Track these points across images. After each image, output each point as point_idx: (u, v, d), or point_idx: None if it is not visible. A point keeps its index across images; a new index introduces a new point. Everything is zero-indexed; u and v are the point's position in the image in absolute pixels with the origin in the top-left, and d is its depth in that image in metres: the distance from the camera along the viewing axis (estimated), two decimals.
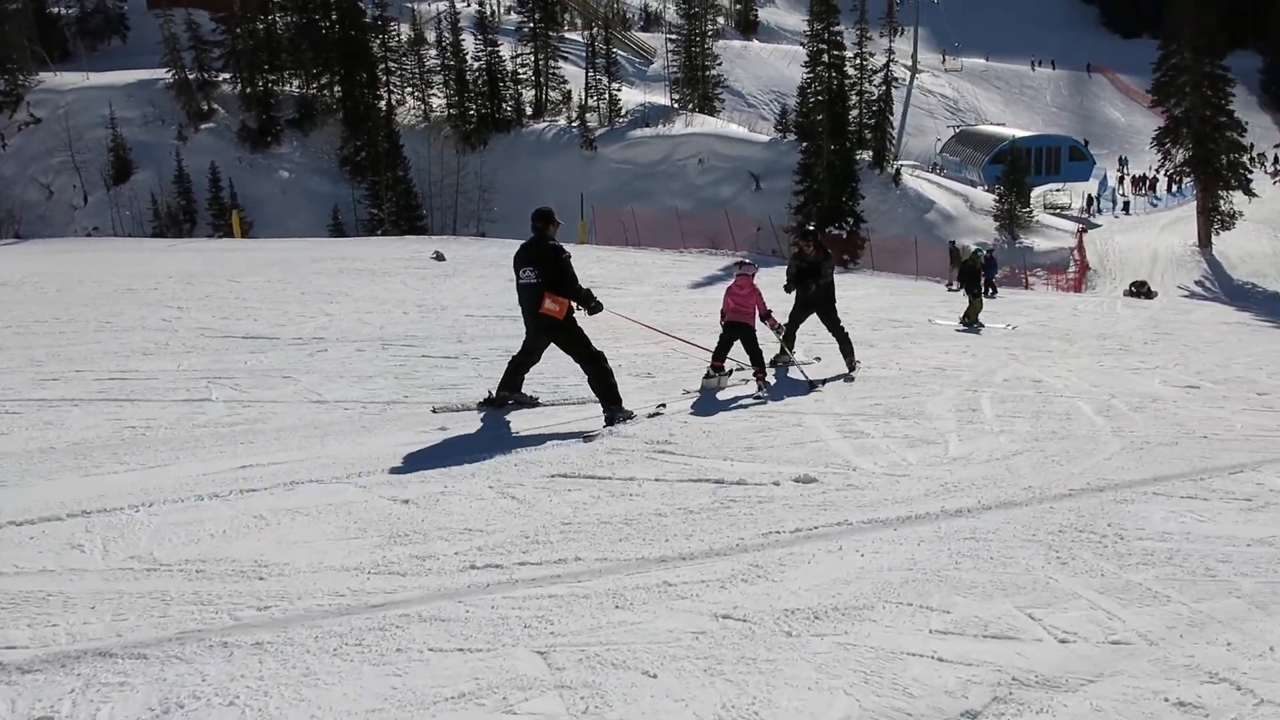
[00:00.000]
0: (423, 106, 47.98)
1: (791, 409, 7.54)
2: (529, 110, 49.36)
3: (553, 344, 6.82)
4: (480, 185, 42.70)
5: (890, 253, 36.46)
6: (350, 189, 42.97)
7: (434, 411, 6.82)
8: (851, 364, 9.42)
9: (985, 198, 41.43)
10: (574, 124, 46.32)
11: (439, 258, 20.36)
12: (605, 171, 44.65)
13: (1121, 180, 56.36)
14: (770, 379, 8.62)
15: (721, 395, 8.01)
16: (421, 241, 27.59)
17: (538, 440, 6.14)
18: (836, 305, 9.57)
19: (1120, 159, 60.36)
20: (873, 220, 39.13)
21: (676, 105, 53.58)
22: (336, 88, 46.05)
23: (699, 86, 51.86)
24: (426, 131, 46.04)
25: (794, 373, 9.10)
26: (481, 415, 6.85)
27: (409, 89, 48.41)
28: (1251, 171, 41.74)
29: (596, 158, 45.35)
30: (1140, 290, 29.66)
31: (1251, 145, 41.99)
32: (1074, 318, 19.11)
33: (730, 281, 8.50)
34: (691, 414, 7.14)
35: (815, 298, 9.40)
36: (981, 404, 8.17)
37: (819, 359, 9.99)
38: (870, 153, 41.60)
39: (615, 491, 5.01)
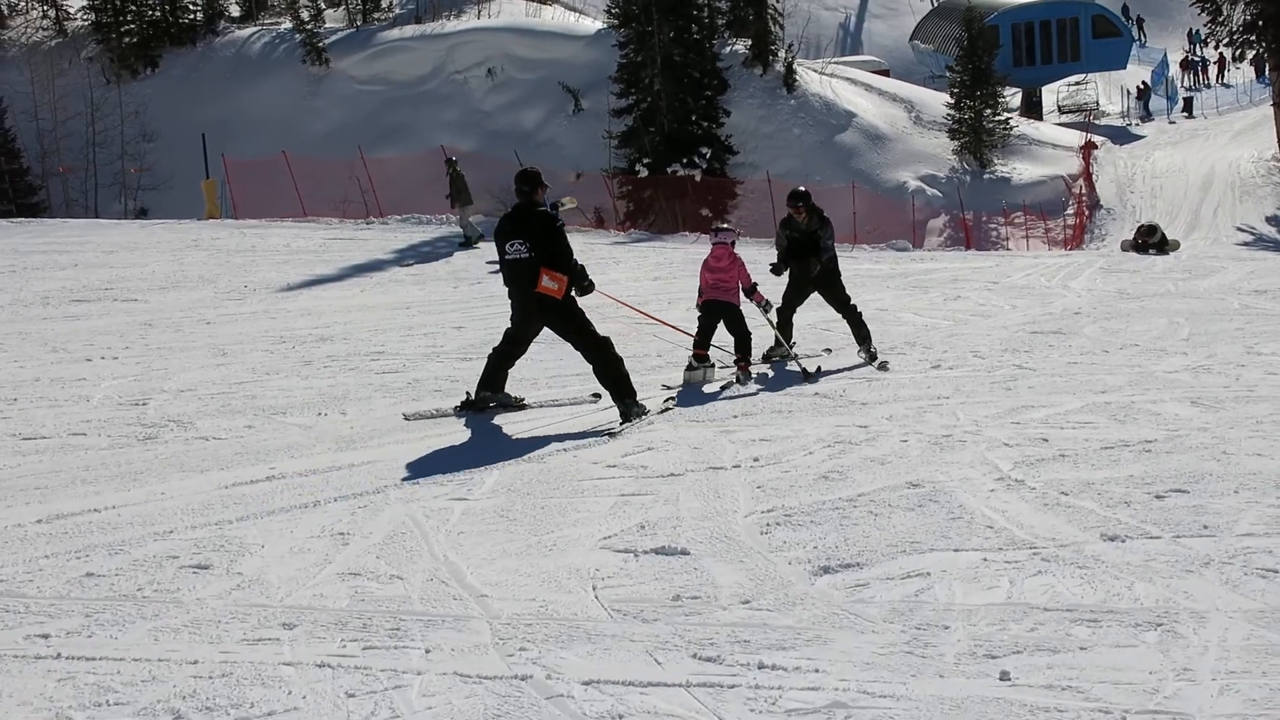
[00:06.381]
0: (53, 13, 42.78)
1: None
2: (234, 10, 44.33)
3: (545, 331, 8.25)
4: (126, 134, 37.58)
5: (784, 202, 31.76)
6: None
7: (406, 419, 8.07)
8: (870, 350, 10.48)
9: (939, 103, 36.80)
10: (303, 29, 41.26)
11: None
12: (342, 98, 39.94)
13: (1186, 65, 52.12)
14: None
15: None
16: None
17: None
18: (841, 278, 10.76)
19: (1191, 33, 56.15)
20: (751, 149, 34.34)
21: None
22: None
23: None
24: (58, 53, 40.99)
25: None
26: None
27: None
28: None
29: (329, 77, 40.54)
30: (1147, 241, 25.06)
31: None
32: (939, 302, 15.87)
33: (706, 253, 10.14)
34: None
35: (818, 275, 10.46)
36: None
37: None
38: (747, 43, 36.71)
39: None
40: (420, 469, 6.82)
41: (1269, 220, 32.24)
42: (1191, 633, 4.16)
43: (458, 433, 7.87)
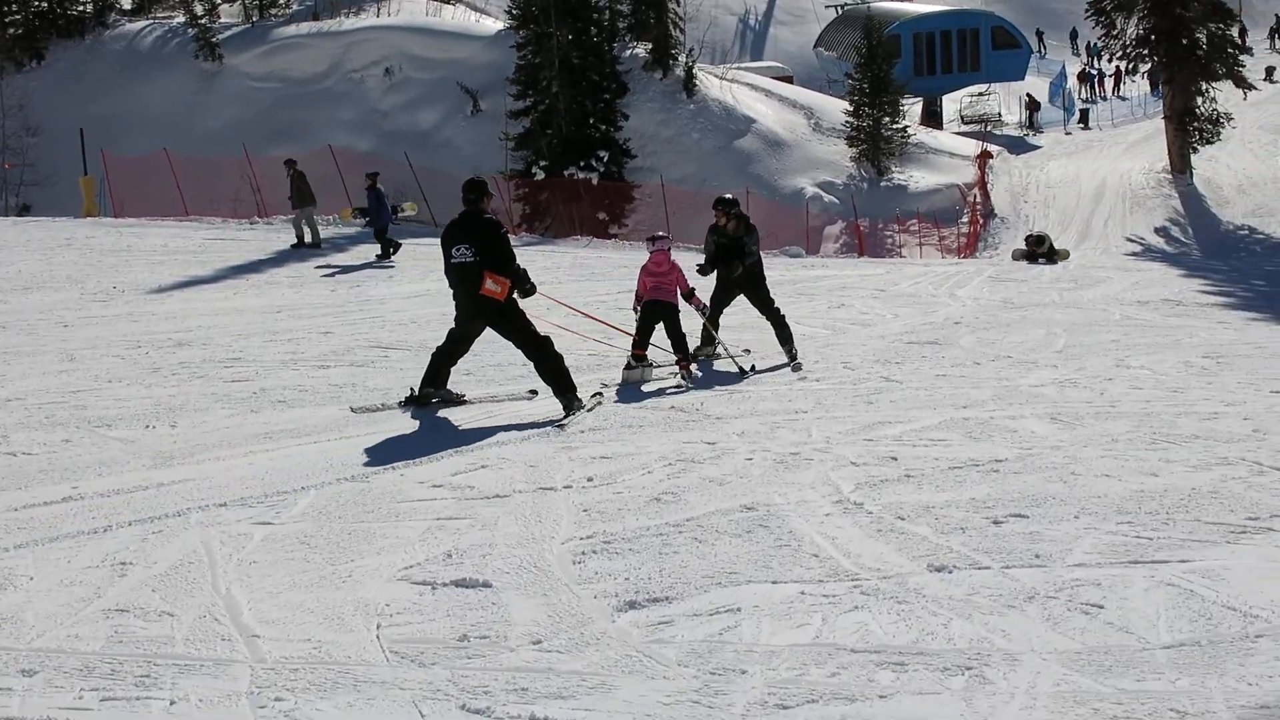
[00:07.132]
0: None
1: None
2: (125, 3, 43.05)
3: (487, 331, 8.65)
4: (7, 128, 36.23)
5: (679, 207, 31.58)
6: None
7: (353, 411, 8.44)
8: (791, 352, 10.94)
9: (838, 110, 36.87)
10: (196, 23, 40.12)
11: None
12: (235, 95, 38.89)
13: (1085, 77, 53.00)
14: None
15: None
16: None
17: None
18: (767, 282, 11.30)
19: (1089, 46, 57.10)
20: (650, 154, 34.10)
21: None
22: None
23: None
24: None
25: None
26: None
27: None
28: (1244, 52, 38.20)
29: (222, 73, 39.47)
30: (1036, 250, 25.29)
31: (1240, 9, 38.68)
32: None
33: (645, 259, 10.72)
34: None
35: (741, 278, 11.09)
36: None
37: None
38: (648, 46, 36.46)
39: None
40: (234, 488, 6.39)
41: (1157, 231, 32.68)
42: (1000, 678, 3.92)
43: (291, 447, 7.43)
